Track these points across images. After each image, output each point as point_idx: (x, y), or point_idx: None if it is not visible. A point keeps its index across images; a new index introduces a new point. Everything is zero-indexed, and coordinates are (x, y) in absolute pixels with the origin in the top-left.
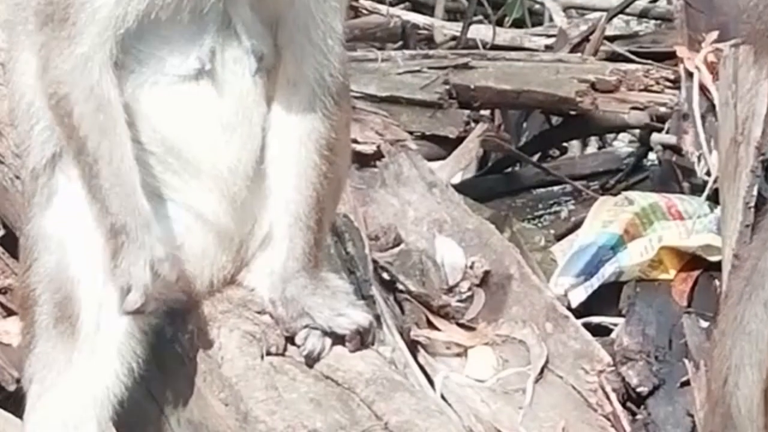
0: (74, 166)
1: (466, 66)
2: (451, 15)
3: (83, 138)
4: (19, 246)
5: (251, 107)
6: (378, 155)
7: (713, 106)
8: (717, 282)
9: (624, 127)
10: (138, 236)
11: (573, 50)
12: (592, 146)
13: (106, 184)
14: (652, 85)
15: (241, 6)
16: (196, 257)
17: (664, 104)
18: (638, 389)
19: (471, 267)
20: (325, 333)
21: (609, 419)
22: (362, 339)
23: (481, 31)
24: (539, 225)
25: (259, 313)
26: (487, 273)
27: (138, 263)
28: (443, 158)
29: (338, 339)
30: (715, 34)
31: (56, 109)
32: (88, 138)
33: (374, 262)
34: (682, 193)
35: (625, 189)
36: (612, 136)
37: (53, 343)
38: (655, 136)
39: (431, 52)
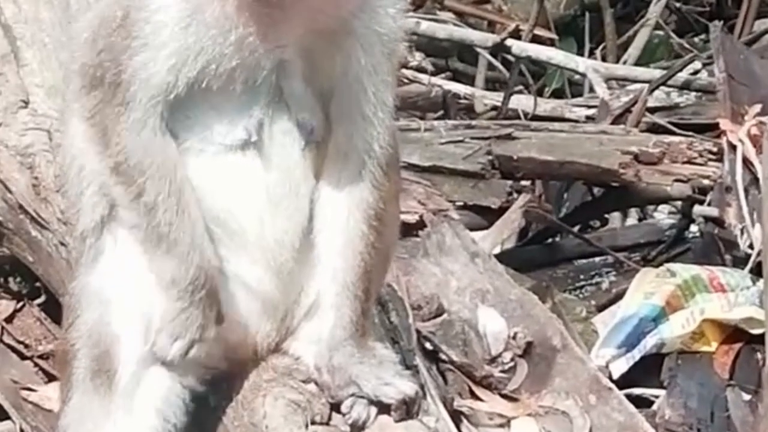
0: (139, 227)
1: (508, 136)
2: (490, 84)
3: (161, 199)
4: (64, 305)
5: (299, 180)
6: (420, 225)
7: (756, 179)
8: (759, 355)
9: (666, 199)
10: (207, 293)
11: (614, 121)
12: (632, 217)
13: (186, 240)
14: (695, 158)
15: (293, 79)
16: (240, 325)
17: (707, 177)
18: None
19: (514, 337)
20: (371, 402)
21: None
22: (408, 409)
23: (521, 101)
24: (580, 296)
25: (303, 381)
26: (529, 344)
27: (202, 321)
28: (485, 228)
29: (384, 408)
30: (758, 107)
31: (125, 175)
32: (169, 198)
33: (417, 331)
34: (725, 265)
35: (667, 261)
36: (652, 207)
37: (89, 396)
38: (698, 209)
39: (474, 122)
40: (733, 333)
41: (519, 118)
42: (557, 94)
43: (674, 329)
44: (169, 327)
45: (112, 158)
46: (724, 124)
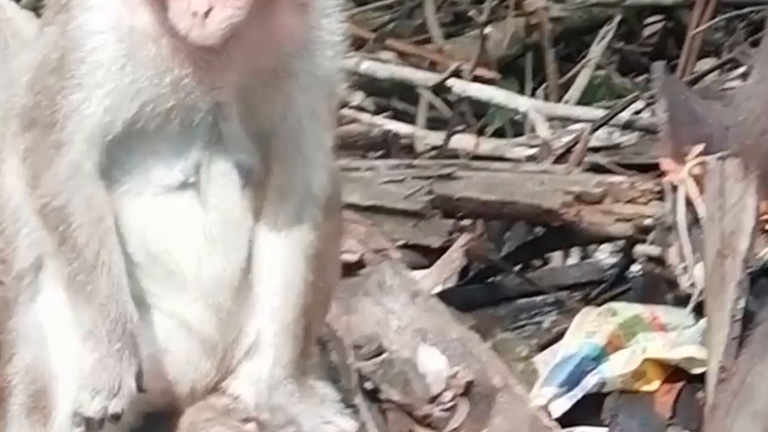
0: (62, 273)
1: (449, 176)
2: (431, 124)
3: (80, 247)
4: (1, 343)
5: (238, 220)
6: (361, 264)
7: (698, 218)
8: (700, 394)
9: (608, 238)
10: (124, 345)
11: (556, 161)
12: (574, 257)
13: (104, 292)
14: (637, 197)
15: (231, 120)
16: (179, 364)
17: (649, 216)
18: None
19: (454, 376)
20: None
21: None
22: None
23: (462, 141)
24: (521, 335)
25: (242, 421)
26: (470, 383)
27: (119, 372)
28: (426, 267)
29: None
30: (700, 147)
31: (50, 219)
32: (87, 247)
33: (357, 371)
34: (666, 304)
35: (608, 300)
36: (594, 246)
37: None
38: (639, 248)
39: (415, 161)
40: (674, 372)
41: (460, 157)
42: (499, 133)
43: (615, 368)
44: (88, 381)
45: (39, 199)
46: (666, 164)
